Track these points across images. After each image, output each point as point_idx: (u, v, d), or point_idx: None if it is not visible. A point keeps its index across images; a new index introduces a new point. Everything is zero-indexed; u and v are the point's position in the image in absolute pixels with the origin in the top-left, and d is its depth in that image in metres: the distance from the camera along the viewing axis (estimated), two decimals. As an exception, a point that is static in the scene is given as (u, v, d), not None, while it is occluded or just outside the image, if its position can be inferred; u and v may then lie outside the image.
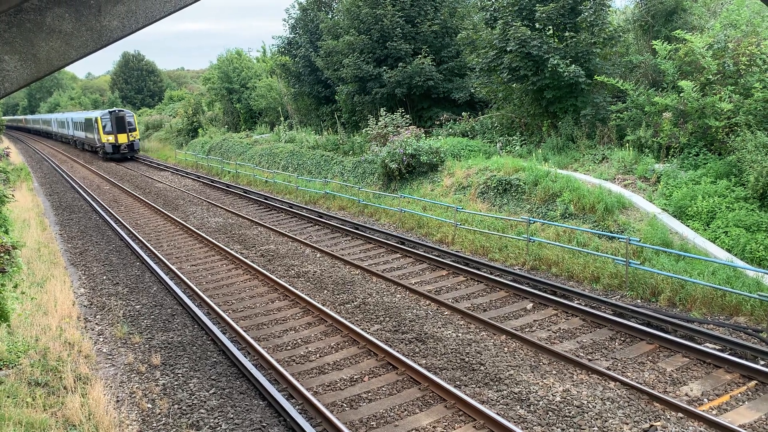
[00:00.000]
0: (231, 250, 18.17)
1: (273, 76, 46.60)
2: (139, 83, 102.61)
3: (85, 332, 12.20)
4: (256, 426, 8.76)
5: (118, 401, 9.53)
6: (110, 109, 49.50)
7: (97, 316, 13.40)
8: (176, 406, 9.40)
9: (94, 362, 10.84)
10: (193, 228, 21.27)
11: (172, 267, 16.52)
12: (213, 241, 19.15)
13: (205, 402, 9.51)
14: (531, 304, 12.83)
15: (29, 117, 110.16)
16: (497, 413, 8.61)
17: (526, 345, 10.90)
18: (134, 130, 48.95)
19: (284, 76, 41.15)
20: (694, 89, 16.78)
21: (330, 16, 37.05)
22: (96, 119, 47.85)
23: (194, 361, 10.99)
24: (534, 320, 12.06)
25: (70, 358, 10.61)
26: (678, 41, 18.47)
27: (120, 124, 47.57)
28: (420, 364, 10.27)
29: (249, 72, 49.69)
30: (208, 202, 27.17)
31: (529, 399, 9.08)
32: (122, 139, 47.88)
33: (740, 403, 8.78)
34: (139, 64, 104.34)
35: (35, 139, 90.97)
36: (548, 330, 11.56)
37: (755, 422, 8.28)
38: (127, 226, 22.13)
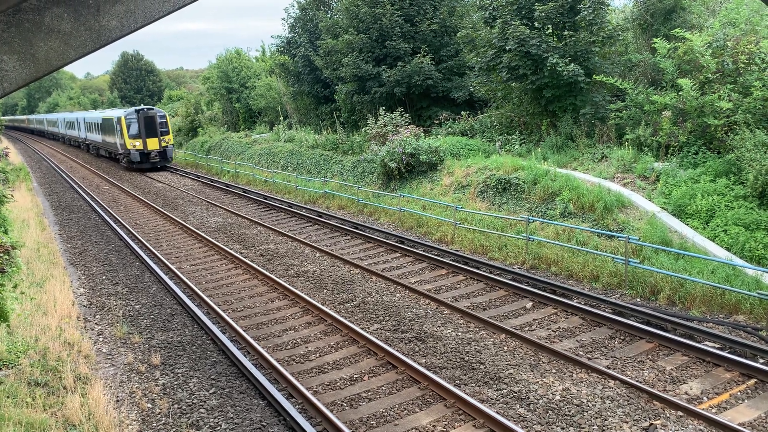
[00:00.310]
0: (230, 249, 18.17)
1: (272, 75, 46.58)
2: (138, 83, 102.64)
3: (85, 332, 12.20)
4: (256, 425, 8.76)
5: (118, 401, 9.54)
6: (137, 107, 40.07)
7: (97, 316, 13.39)
8: (176, 406, 9.40)
9: (93, 362, 10.84)
10: (192, 228, 21.27)
11: (172, 267, 16.51)
12: (212, 240, 19.15)
13: (204, 401, 9.51)
14: (530, 303, 12.84)
15: (32, 117, 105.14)
16: (497, 412, 8.61)
17: (525, 344, 10.90)
18: (167, 133, 39.47)
19: (283, 76, 41.18)
20: (693, 88, 16.79)
21: (329, 16, 37.05)
22: (119, 120, 38.74)
23: (194, 360, 10.99)
24: (533, 319, 12.06)
25: (70, 358, 10.61)
26: (677, 40, 18.48)
27: (150, 126, 38.43)
28: (420, 363, 10.27)
29: (248, 71, 49.66)
30: (208, 201, 27.15)
31: (528, 398, 9.08)
32: (152, 144, 38.65)
33: (740, 402, 8.79)
34: (138, 64, 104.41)
35: (36, 140, 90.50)
36: (548, 329, 11.56)
37: (755, 420, 8.29)
38: (127, 226, 22.11)
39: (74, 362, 10.47)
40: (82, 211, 26.47)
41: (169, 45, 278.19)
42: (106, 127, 43.71)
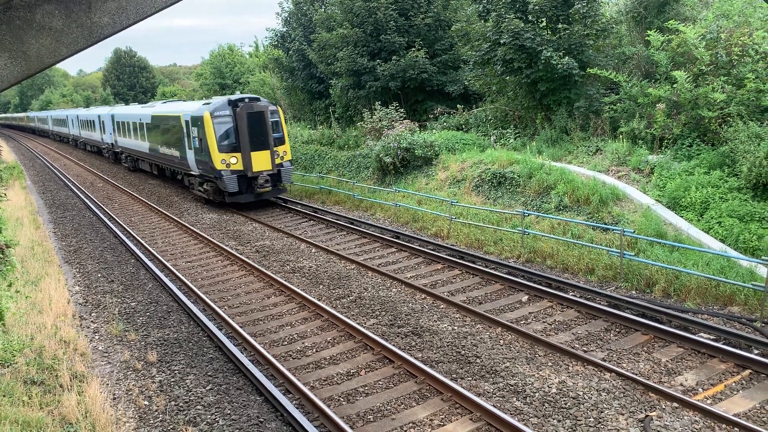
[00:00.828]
0: (226, 246, 18.15)
1: (266, 71, 46.46)
2: (131, 79, 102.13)
3: (81, 330, 12.17)
4: (254, 421, 8.77)
5: (114, 399, 9.53)
6: (232, 96, 23.60)
7: (93, 314, 13.37)
8: (173, 403, 9.40)
9: (90, 360, 10.83)
10: (187, 225, 21.23)
11: (167, 264, 16.49)
12: (208, 237, 19.12)
13: (202, 398, 9.51)
14: (526, 297, 12.86)
15: (32, 114, 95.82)
16: (493, 405, 8.64)
17: (521, 337, 10.93)
18: (282, 140, 23.64)
19: (277, 71, 41.07)
20: (687, 80, 16.81)
21: (323, 9, 36.97)
22: (198, 119, 23.06)
23: (190, 357, 10.99)
24: (529, 312, 12.09)
25: (66, 356, 10.59)
26: (671, 32, 18.50)
27: (257, 129, 22.51)
28: (416, 358, 10.29)
29: (242, 67, 49.55)
30: (198, 199, 27.06)
31: (525, 391, 9.11)
32: (261, 162, 22.63)
33: (734, 392, 8.83)
34: (131, 61, 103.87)
35: (30, 137, 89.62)
36: (543, 322, 11.59)
37: (749, 411, 8.34)
38: (121, 224, 22.06)
39: (70, 360, 10.46)
40: (77, 208, 26.39)
41: (161, 41, 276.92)
42: (162, 129, 28.13)
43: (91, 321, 12.96)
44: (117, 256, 18.09)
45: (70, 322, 12.30)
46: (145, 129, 31.16)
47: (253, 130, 22.37)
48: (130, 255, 18.07)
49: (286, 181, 23.73)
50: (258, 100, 23.27)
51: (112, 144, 40.55)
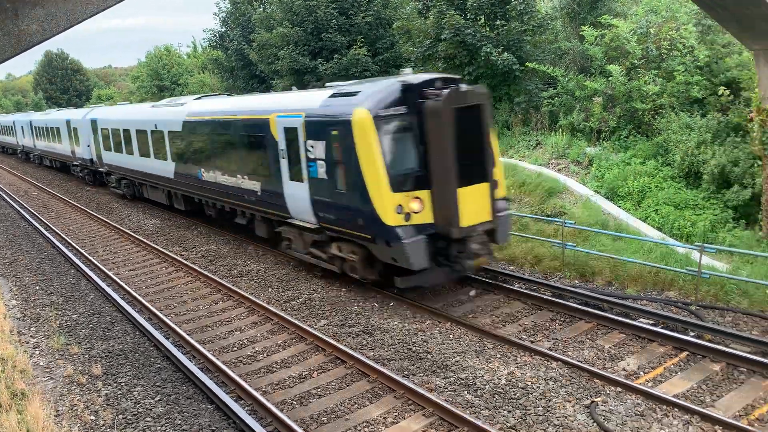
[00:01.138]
0: (170, 252, 17.75)
1: (205, 71, 45.63)
2: (64, 83, 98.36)
3: (20, 346, 11.72)
4: (206, 430, 8.64)
5: (58, 415, 9.22)
6: (403, 78, 11.75)
7: (32, 328, 12.88)
8: (121, 416, 9.16)
9: (30, 377, 10.43)
10: (129, 231, 20.66)
11: (109, 273, 16.02)
12: (151, 244, 18.66)
13: (150, 410, 9.30)
14: (474, 291, 13.05)
15: None
16: (445, 400, 8.75)
17: (470, 331, 11.10)
18: (493, 162, 11.84)
19: (217, 72, 40.39)
20: (621, 73, 17.37)
21: (262, 9, 36.55)
22: (337, 125, 11.85)
23: (137, 368, 10.72)
24: (477, 306, 12.27)
25: (5, 374, 10.17)
26: (604, 27, 19.08)
27: (469, 141, 11.11)
28: (368, 357, 10.32)
29: (180, 68, 48.50)
30: (144, 203, 26.38)
31: (475, 384, 9.26)
32: (474, 206, 11.26)
33: (674, 374, 9.21)
34: (63, 63, 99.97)
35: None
36: (491, 315, 11.79)
37: (688, 391, 8.71)
38: (59, 233, 21.30)
39: (9, 378, 10.04)
40: (10, 219, 25.34)
41: (97, 43, 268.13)
42: (212, 141, 17.54)
43: (31, 336, 12.49)
44: (55, 267, 17.46)
45: (7, 338, 11.82)
46: (167, 141, 20.32)
47: (463, 144, 11.17)
48: (70, 265, 17.45)
49: (503, 239, 12.54)
50: (455, 83, 11.91)
51: (91, 160, 29.78)
